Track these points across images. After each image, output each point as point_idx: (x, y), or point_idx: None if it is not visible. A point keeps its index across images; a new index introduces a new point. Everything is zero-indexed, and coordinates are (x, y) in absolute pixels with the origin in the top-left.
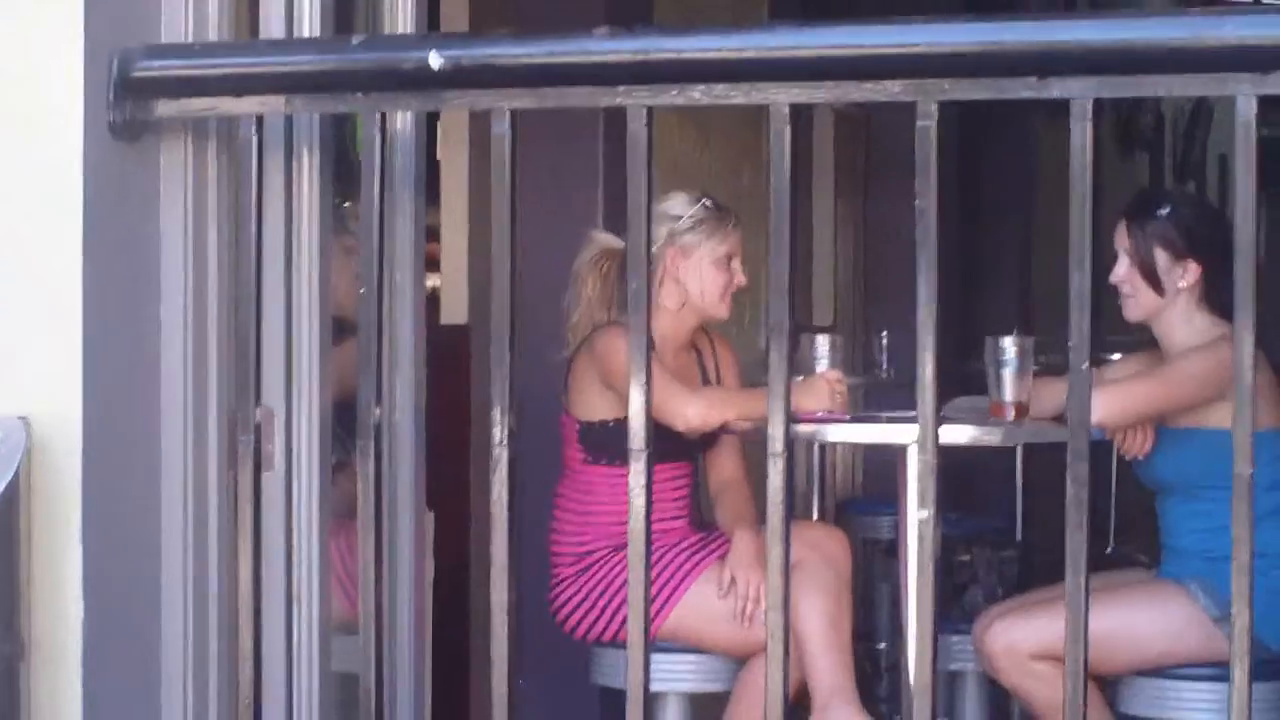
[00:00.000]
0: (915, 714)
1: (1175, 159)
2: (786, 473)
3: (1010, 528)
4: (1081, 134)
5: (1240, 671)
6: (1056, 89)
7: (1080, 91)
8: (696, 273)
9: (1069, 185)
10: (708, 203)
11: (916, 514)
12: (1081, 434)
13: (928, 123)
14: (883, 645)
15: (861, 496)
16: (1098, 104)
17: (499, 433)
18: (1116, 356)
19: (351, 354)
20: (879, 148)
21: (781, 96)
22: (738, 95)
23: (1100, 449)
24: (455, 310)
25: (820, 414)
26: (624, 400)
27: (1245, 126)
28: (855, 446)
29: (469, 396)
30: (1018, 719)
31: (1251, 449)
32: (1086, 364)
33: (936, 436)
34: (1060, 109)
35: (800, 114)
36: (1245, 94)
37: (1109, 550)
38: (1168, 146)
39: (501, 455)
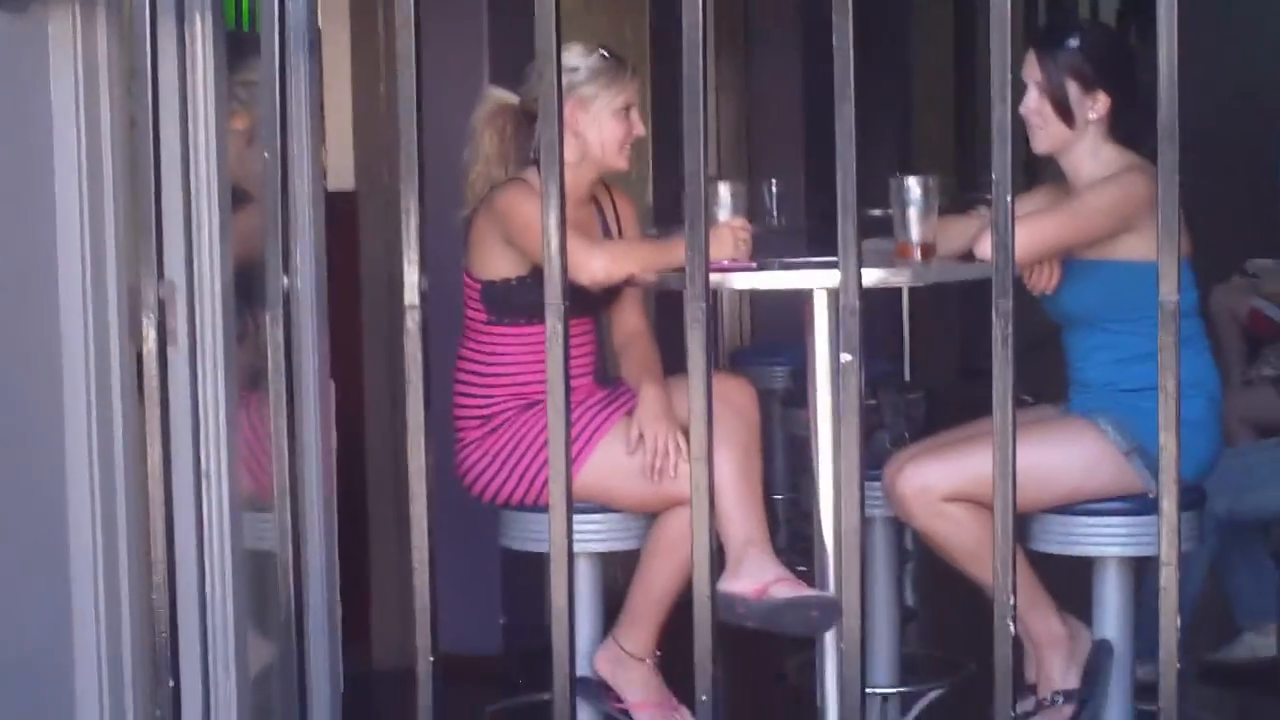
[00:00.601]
0: (844, 558)
1: None
2: (709, 321)
3: (898, 370)
4: None
5: (1169, 501)
6: None
7: None
8: (596, 124)
9: (943, 18)
10: (604, 53)
11: (838, 358)
12: (1006, 268)
13: None
14: (779, 496)
15: (750, 346)
16: None
17: (412, 294)
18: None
19: (248, 223)
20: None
21: None
22: None
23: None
24: (341, 177)
25: (726, 262)
26: (526, 257)
27: None
28: (741, 296)
29: (359, 264)
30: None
31: (1177, 275)
32: (1009, 196)
33: (859, 276)
34: None
35: None
36: None
37: None
38: None
39: (414, 317)
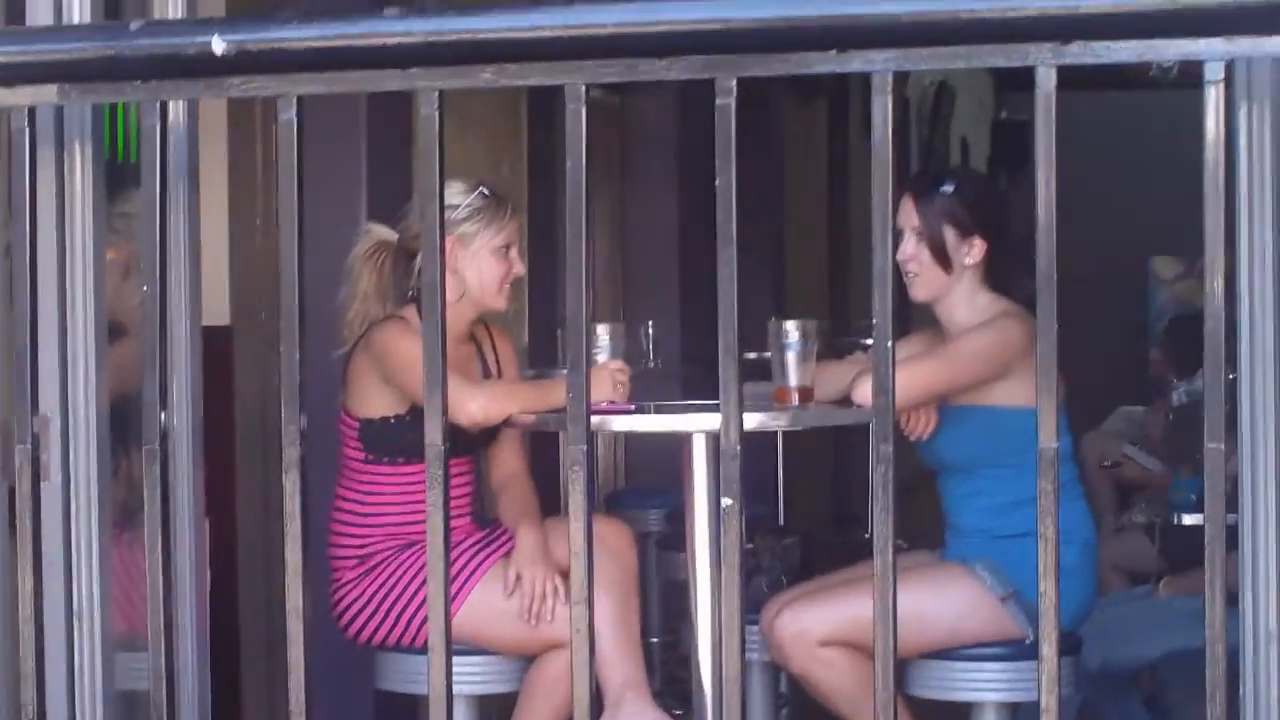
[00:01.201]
0: (725, 703)
1: (921, 141)
2: (589, 463)
3: (773, 514)
4: (883, 108)
5: (1049, 647)
6: (858, 62)
7: (882, 64)
8: (475, 263)
9: (816, 167)
10: (485, 190)
11: (718, 502)
12: (886, 412)
13: (727, 100)
14: (655, 639)
15: (626, 489)
16: (895, 78)
17: (291, 431)
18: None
19: (124, 356)
20: (635, 137)
21: (577, 76)
22: (533, 75)
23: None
24: (216, 311)
25: (605, 404)
26: (404, 396)
27: (1046, 98)
28: (618, 439)
29: (234, 401)
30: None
31: (1055, 421)
32: (890, 342)
33: (741, 420)
34: (809, 88)
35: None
36: (1046, 64)
37: (867, 535)
38: (912, 130)
39: (293, 456)
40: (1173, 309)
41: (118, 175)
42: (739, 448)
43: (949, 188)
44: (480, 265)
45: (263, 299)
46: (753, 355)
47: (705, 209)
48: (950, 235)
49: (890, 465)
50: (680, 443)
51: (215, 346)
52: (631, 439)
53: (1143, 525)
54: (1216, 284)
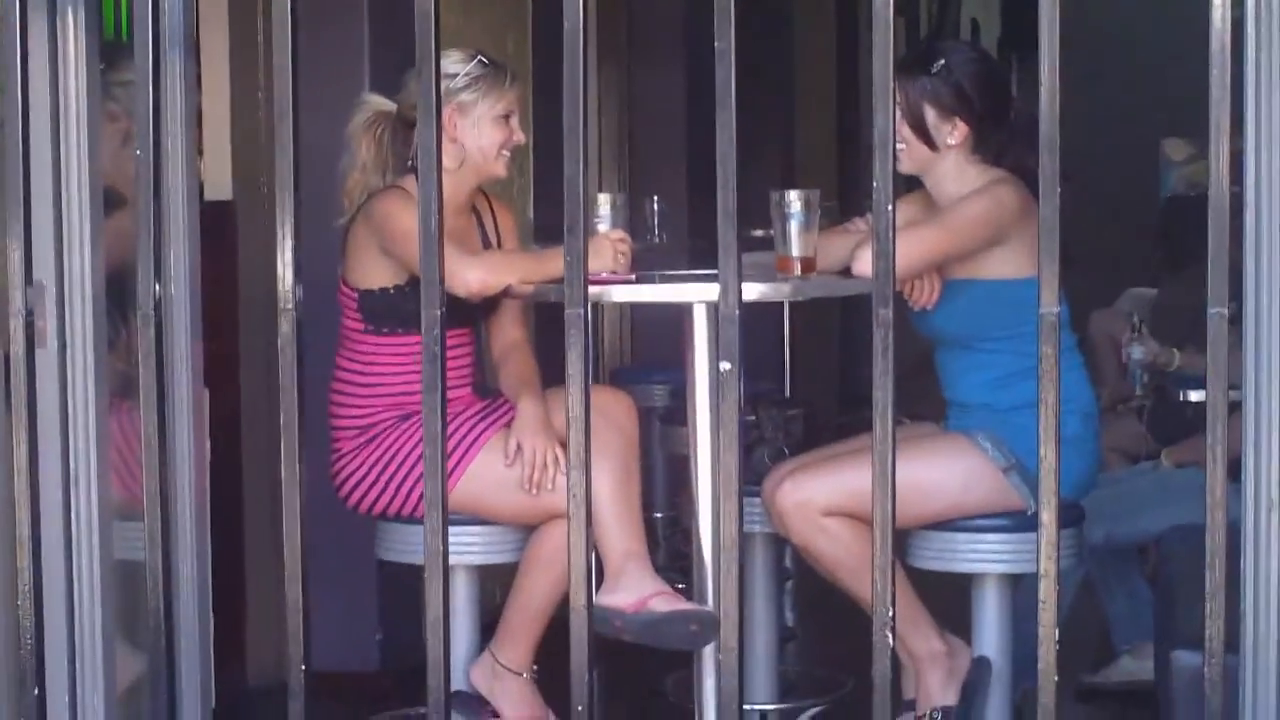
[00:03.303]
0: (722, 570)
1: (930, 21)
2: (587, 333)
3: (778, 389)
4: None
5: (1049, 513)
6: None
7: None
8: (475, 130)
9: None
10: (483, 59)
11: (717, 367)
12: (886, 277)
13: None
14: (658, 514)
15: (630, 366)
16: None
17: (287, 300)
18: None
19: (125, 226)
20: (642, 11)
21: None
22: None
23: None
24: (218, 186)
25: (605, 274)
26: (403, 266)
27: None
28: (624, 315)
29: (237, 275)
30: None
31: (1057, 287)
32: (890, 205)
33: (739, 283)
34: None
35: None
36: None
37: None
38: (921, 11)
39: (288, 321)
40: (1183, 191)
41: (119, 53)
42: (737, 312)
43: (932, 68)
44: (480, 131)
45: (265, 173)
46: (759, 232)
47: (712, 84)
48: (930, 114)
49: (889, 330)
50: (682, 316)
51: (219, 221)
52: (636, 316)
53: (1135, 408)
54: (1221, 164)
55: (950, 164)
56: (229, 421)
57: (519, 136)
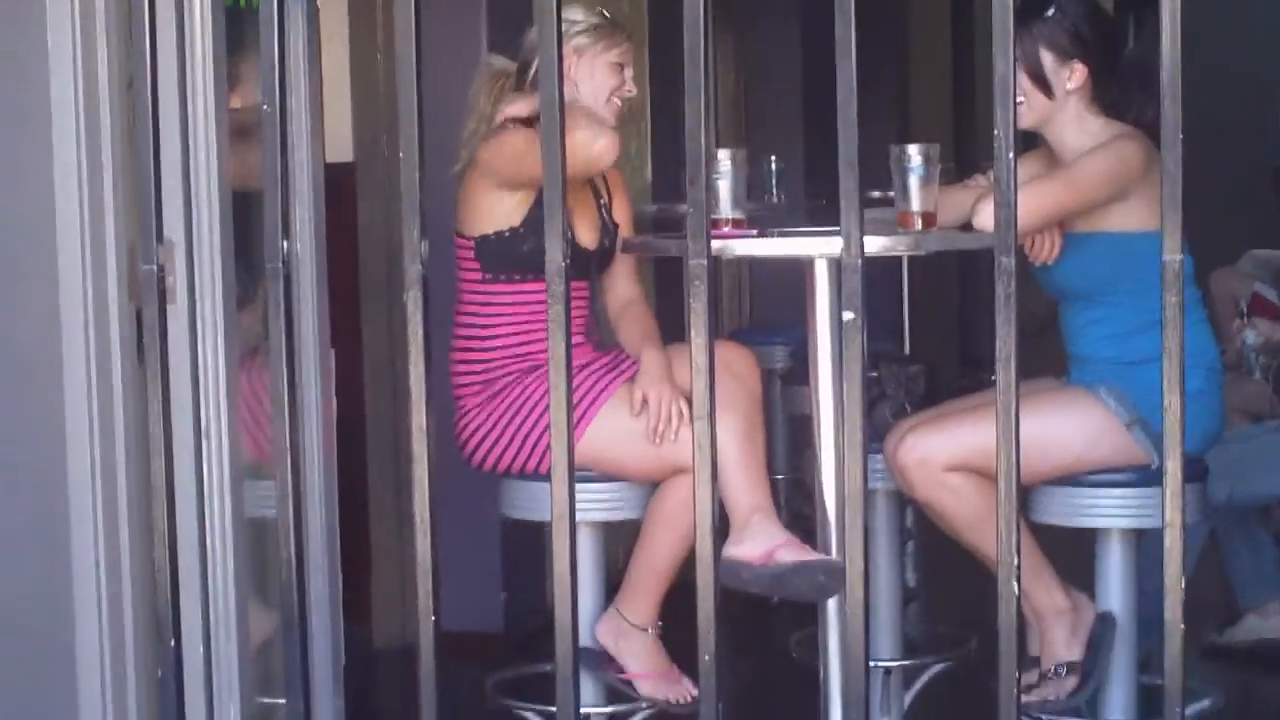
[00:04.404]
0: (848, 517)
1: None
2: (711, 277)
3: (899, 348)
4: None
5: (1173, 461)
6: None
7: None
8: (589, 71)
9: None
10: (604, 13)
11: (840, 318)
12: (1008, 225)
13: None
14: (780, 476)
15: (750, 327)
16: None
17: (412, 254)
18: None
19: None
20: None
21: None
22: None
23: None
24: (339, 149)
25: (726, 229)
26: (518, 205)
27: None
28: (741, 274)
29: (357, 237)
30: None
31: (1180, 236)
32: (1011, 154)
33: (861, 233)
34: None
35: None
36: None
37: (993, 377)
38: None
39: (415, 278)
40: None
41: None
42: (859, 261)
43: (1048, 12)
44: (595, 74)
45: (385, 135)
46: (877, 194)
47: (830, 45)
48: (1048, 60)
49: (1011, 277)
50: (803, 276)
51: (339, 183)
52: (754, 278)
53: (1262, 369)
54: None
55: (1070, 113)
56: (351, 384)
57: (630, 87)
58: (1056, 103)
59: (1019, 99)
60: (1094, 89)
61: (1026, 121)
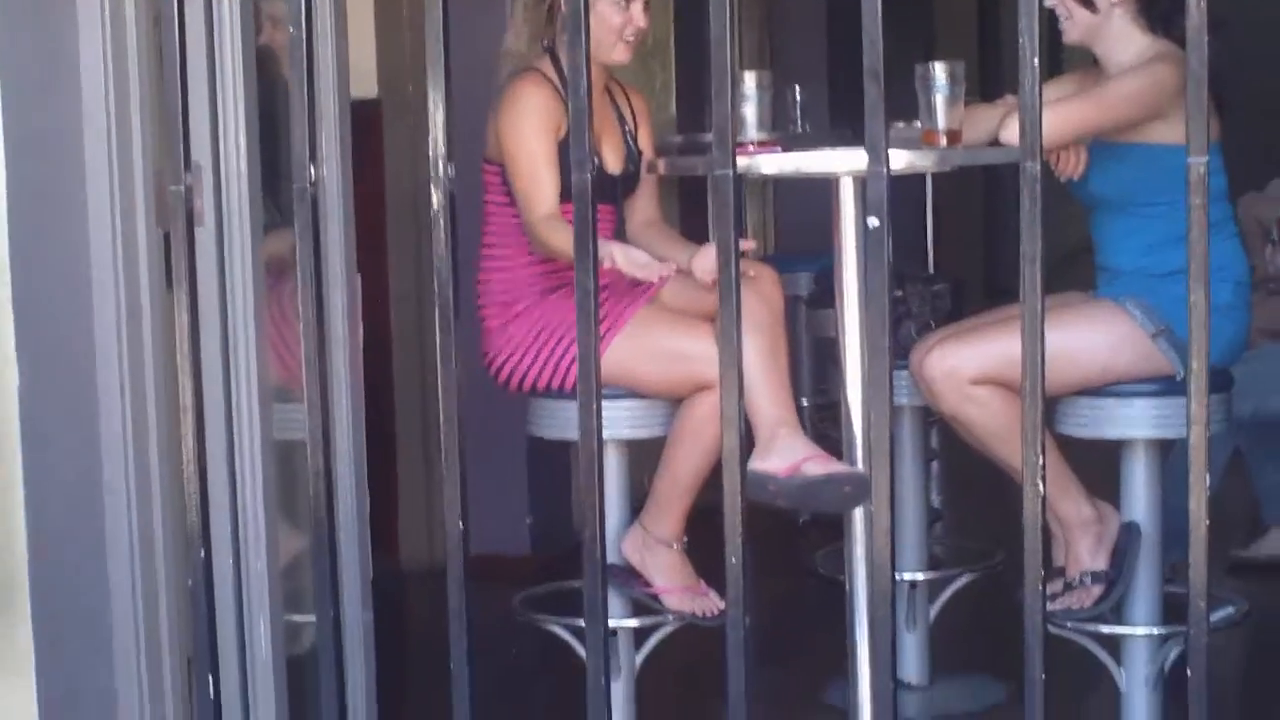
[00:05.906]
0: (874, 421)
1: None
2: (734, 191)
3: (923, 267)
4: None
5: (1198, 360)
6: None
7: None
8: (592, 10)
9: None
10: None
11: (865, 225)
12: (1034, 131)
13: None
14: (805, 401)
15: (774, 254)
16: None
17: (439, 169)
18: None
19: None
20: None
21: None
22: None
23: None
24: (363, 84)
25: (751, 146)
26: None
27: None
28: (767, 202)
29: (382, 170)
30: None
31: (1205, 136)
32: (1036, 59)
33: (886, 141)
34: None
35: None
36: None
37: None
38: None
39: (441, 190)
40: None
41: None
42: (885, 170)
43: None
44: (598, 13)
45: (410, 70)
46: (901, 124)
47: None
48: None
49: (1036, 182)
50: (828, 203)
51: (364, 118)
52: (779, 203)
53: None
54: None
55: (1116, 27)
56: (379, 316)
57: (640, 21)
58: (1100, 16)
59: (1062, 14)
60: (1139, 3)
61: (1071, 37)
